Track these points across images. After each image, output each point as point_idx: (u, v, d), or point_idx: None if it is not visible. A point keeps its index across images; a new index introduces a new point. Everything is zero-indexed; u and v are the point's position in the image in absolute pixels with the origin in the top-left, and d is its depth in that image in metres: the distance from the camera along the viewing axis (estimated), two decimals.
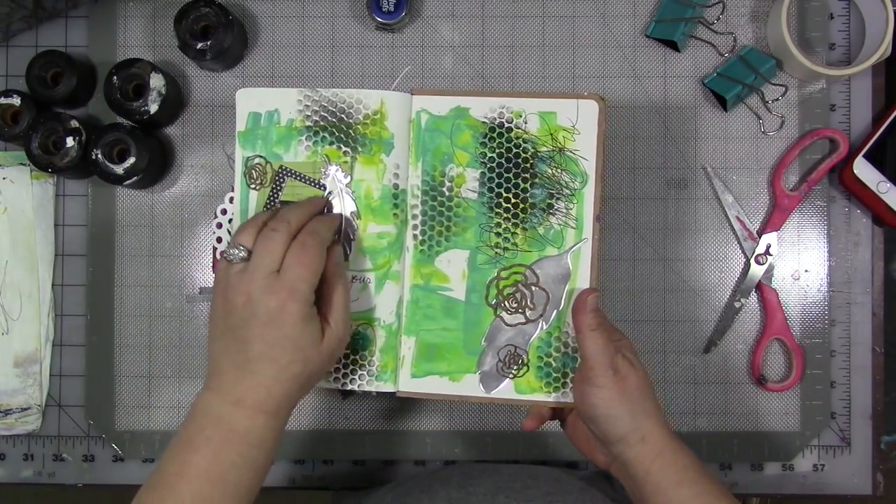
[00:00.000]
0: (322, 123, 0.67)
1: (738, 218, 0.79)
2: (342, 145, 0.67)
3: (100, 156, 0.76)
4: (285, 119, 0.66)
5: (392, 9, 0.78)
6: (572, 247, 0.65)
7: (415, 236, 0.67)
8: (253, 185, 0.66)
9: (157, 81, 0.76)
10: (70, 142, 0.76)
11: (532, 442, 0.80)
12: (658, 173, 0.80)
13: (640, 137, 0.80)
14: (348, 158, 0.67)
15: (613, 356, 0.61)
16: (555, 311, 0.66)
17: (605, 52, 0.80)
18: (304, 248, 0.59)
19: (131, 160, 0.75)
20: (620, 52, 0.80)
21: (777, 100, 0.80)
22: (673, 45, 0.79)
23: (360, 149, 0.66)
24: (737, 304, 0.79)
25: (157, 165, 0.79)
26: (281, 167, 0.66)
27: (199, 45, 0.75)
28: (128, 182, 0.76)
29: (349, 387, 0.67)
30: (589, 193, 0.65)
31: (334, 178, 0.67)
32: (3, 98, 0.77)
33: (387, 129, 0.67)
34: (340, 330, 0.61)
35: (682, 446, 0.61)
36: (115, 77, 0.76)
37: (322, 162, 0.66)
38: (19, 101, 0.77)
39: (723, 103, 0.79)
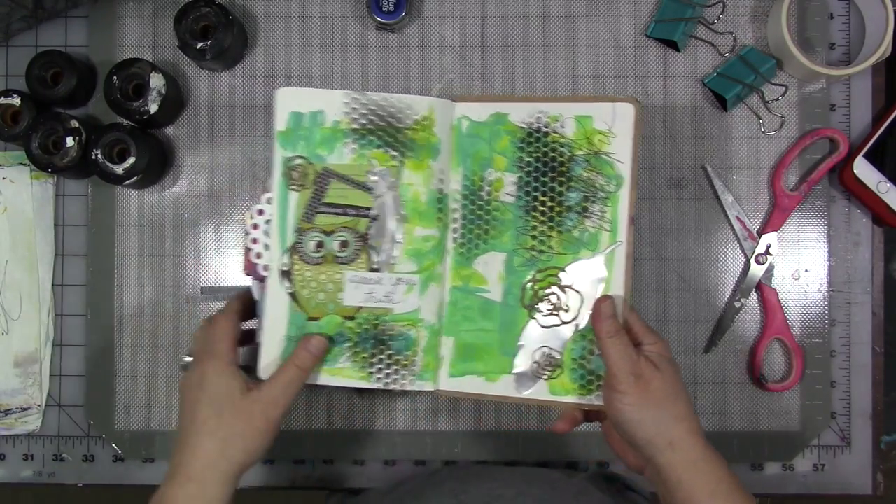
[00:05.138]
0: (370, 126, 0.66)
1: (738, 218, 0.79)
2: (390, 149, 0.66)
3: (100, 156, 0.76)
4: (331, 120, 0.65)
5: (392, 9, 0.78)
6: (607, 249, 0.65)
7: (454, 239, 0.68)
8: (293, 187, 0.65)
9: (157, 81, 0.76)
10: (70, 142, 0.76)
11: (532, 442, 0.80)
12: (658, 173, 0.80)
13: (640, 137, 0.79)
14: (396, 162, 0.66)
15: (635, 361, 0.61)
16: (589, 314, 0.66)
17: (605, 52, 0.80)
18: (211, 321, 0.65)
19: (131, 160, 0.75)
20: (620, 52, 0.80)
21: (777, 100, 0.80)
22: (673, 45, 0.79)
23: (408, 153, 0.66)
24: (737, 304, 0.79)
25: (157, 165, 0.79)
26: (324, 169, 0.65)
27: (199, 45, 0.75)
28: (128, 182, 0.76)
29: (392, 386, 0.67)
30: (624, 196, 0.65)
31: (382, 181, 0.66)
32: (3, 98, 0.77)
33: (434, 135, 0.67)
34: (274, 394, 0.62)
35: (718, 457, 0.61)
36: (115, 77, 0.76)
37: (369, 165, 0.66)
38: (19, 101, 0.77)
39: (723, 103, 0.79)
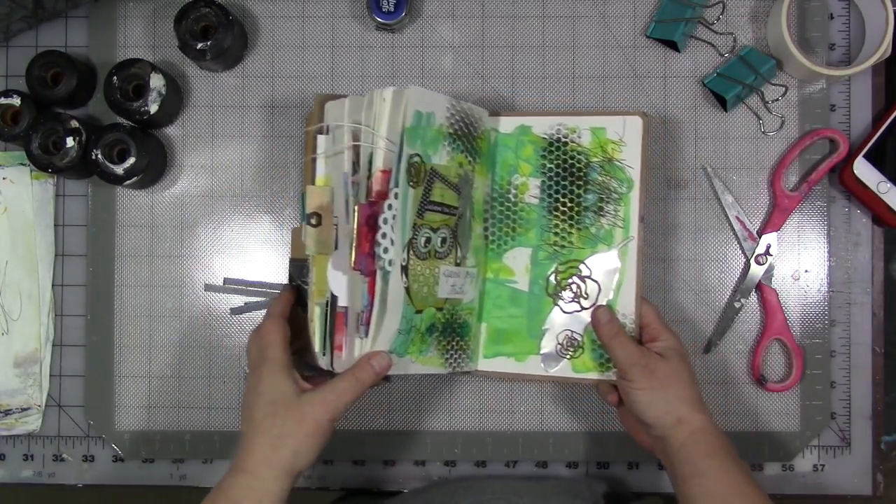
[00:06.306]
0: (460, 132, 0.70)
1: (738, 218, 0.79)
2: (468, 154, 0.71)
3: (100, 156, 0.76)
4: (437, 123, 0.68)
5: (392, 9, 0.78)
6: (620, 244, 0.73)
7: (486, 237, 0.75)
8: (411, 183, 0.66)
9: (157, 81, 0.76)
10: (70, 142, 0.76)
11: (532, 442, 0.80)
12: (658, 173, 0.80)
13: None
14: (471, 167, 0.72)
15: (639, 354, 0.68)
16: (606, 301, 0.73)
17: (605, 52, 0.80)
18: (258, 328, 0.67)
19: (131, 160, 0.75)
20: (620, 52, 0.80)
21: (777, 100, 0.80)
22: (673, 45, 0.79)
23: (478, 159, 0.72)
24: (737, 304, 0.79)
25: (157, 165, 0.79)
26: (432, 168, 0.68)
27: (199, 45, 0.75)
28: (128, 182, 0.76)
29: (457, 370, 0.72)
30: (634, 197, 0.73)
31: (465, 183, 0.71)
32: (3, 98, 0.77)
33: (488, 145, 0.74)
34: (326, 399, 0.63)
35: (718, 430, 0.66)
36: (115, 77, 0.76)
37: (458, 168, 0.70)
38: (19, 101, 0.77)
39: (723, 103, 0.79)
